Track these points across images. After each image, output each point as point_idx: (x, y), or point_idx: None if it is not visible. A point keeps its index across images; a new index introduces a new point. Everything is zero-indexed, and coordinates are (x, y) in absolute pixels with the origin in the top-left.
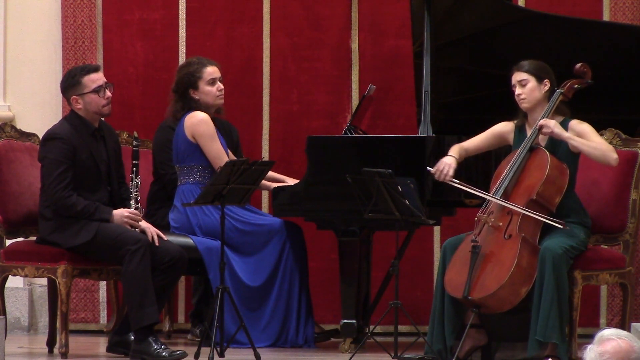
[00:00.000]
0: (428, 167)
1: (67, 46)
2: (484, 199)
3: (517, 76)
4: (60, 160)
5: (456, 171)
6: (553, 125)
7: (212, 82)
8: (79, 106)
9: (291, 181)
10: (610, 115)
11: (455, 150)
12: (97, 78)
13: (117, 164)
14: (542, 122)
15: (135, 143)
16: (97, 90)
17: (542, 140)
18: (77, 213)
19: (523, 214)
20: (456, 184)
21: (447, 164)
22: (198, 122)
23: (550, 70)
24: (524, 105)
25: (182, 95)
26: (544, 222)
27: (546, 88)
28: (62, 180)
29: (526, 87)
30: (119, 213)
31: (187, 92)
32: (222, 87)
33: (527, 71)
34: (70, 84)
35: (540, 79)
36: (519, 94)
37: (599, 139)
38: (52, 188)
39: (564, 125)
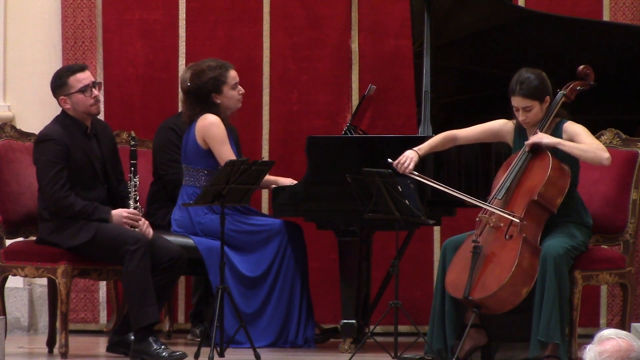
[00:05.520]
0: (389, 159)
1: (67, 46)
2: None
3: (520, 102)
4: (54, 161)
5: (452, 169)
6: (539, 138)
7: (235, 86)
8: (68, 106)
9: (284, 181)
10: (610, 115)
11: (422, 146)
12: (82, 78)
13: (114, 161)
14: (528, 144)
15: (132, 143)
16: (83, 90)
17: None
18: (75, 213)
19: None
20: (416, 176)
21: (409, 157)
22: (209, 125)
23: (547, 80)
24: (528, 127)
25: (202, 99)
26: (507, 217)
27: (547, 104)
28: (58, 180)
29: (531, 112)
30: (118, 213)
31: (209, 97)
32: (242, 90)
33: (529, 96)
34: (57, 84)
35: (542, 100)
36: (524, 119)
37: (591, 139)
38: (49, 189)
39: (559, 127)
